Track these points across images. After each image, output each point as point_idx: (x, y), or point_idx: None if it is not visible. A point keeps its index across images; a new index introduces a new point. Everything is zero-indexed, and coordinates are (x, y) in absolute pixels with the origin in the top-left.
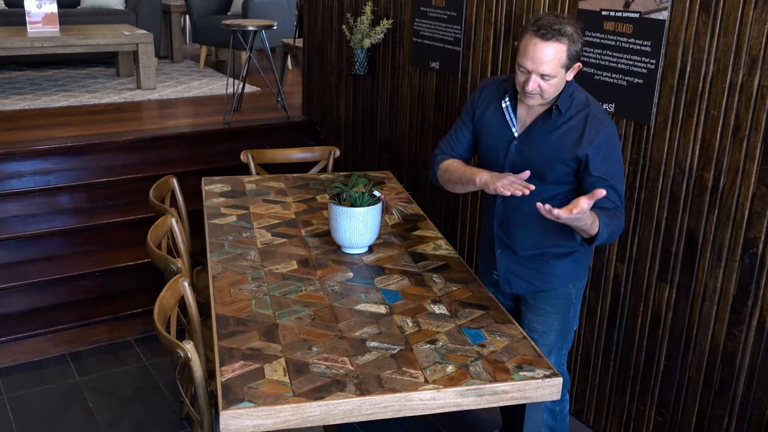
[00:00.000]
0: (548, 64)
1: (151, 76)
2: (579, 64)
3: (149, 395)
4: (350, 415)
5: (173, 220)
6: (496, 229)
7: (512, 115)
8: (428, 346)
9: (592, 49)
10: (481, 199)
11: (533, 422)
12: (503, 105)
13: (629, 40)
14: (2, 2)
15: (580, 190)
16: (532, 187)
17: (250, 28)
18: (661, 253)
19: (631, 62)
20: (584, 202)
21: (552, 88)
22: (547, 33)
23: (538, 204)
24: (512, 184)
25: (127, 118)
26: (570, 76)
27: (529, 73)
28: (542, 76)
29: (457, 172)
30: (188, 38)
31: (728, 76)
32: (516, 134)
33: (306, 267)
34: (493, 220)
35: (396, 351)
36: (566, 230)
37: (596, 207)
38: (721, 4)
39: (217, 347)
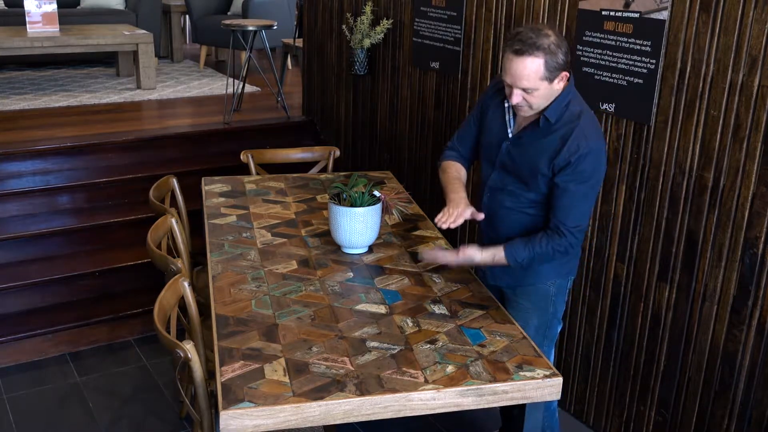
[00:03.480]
0: (526, 78)
1: (151, 76)
2: (565, 73)
3: (149, 395)
4: (350, 415)
5: (173, 220)
6: (483, 224)
7: (511, 117)
8: (428, 346)
9: (592, 49)
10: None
11: (533, 422)
12: (505, 105)
13: (629, 40)
14: (2, 2)
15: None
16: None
17: (250, 28)
18: (661, 253)
19: (631, 62)
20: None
21: (539, 99)
22: (521, 48)
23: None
24: (448, 218)
25: (127, 118)
26: (558, 85)
27: (511, 87)
28: (524, 90)
29: (444, 181)
30: (188, 38)
31: (728, 76)
32: (510, 135)
33: (306, 267)
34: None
35: (396, 351)
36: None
37: (545, 221)
38: (721, 4)
39: (217, 347)
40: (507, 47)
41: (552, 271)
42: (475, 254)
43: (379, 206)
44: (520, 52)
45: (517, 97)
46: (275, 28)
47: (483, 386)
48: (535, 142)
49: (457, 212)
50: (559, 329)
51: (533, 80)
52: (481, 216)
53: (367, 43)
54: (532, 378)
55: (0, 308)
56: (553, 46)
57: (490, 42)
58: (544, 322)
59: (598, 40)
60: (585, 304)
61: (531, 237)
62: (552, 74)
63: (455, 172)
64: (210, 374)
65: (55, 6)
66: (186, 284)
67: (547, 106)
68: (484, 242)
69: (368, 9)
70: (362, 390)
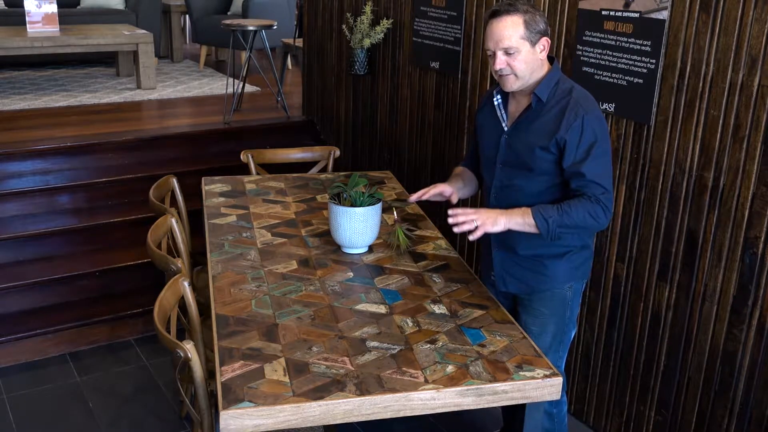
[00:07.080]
0: (507, 37)
1: (151, 76)
2: (547, 39)
3: (149, 395)
4: (350, 415)
5: (173, 220)
6: None
7: (503, 111)
8: (428, 346)
9: (592, 49)
10: (480, 199)
11: (533, 422)
12: (495, 102)
13: (629, 40)
14: (2, 2)
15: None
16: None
17: (250, 28)
18: (661, 253)
19: (631, 62)
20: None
21: (522, 65)
22: (498, 10)
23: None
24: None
25: (127, 118)
26: (542, 55)
27: (494, 53)
28: (506, 53)
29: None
30: (188, 38)
31: (728, 76)
32: (506, 128)
33: (306, 267)
34: None
35: (396, 351)
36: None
37: (573, 193)
38: (721, 4)
39: (217, 347)
40: (486, 19)
41: (569, 274)
42: (499, 217)
43: (379, 206)
44: (497, 14)
45: (500, 62)
46: (275, 28)
47: (483, 386)
48: (532, 125)
49: (426, 189)
50: (573, 333)
51: (515, 38)
52: (454, 198)
53: (367, 43)
54: (532, 378)
55: (0, 308)
56: (531, 11)
57: None
58: (561, 328)
59: (598, 40)
60: (585, 304)
61: (561, 202)
62: (533, 36)
63: (458, 171)
64: (210, 374)
65: (55, 6)
66: (186, 284)
67: (535, 85)
68: (492, 242)
69: (368, 9)
70: (362, 390)
